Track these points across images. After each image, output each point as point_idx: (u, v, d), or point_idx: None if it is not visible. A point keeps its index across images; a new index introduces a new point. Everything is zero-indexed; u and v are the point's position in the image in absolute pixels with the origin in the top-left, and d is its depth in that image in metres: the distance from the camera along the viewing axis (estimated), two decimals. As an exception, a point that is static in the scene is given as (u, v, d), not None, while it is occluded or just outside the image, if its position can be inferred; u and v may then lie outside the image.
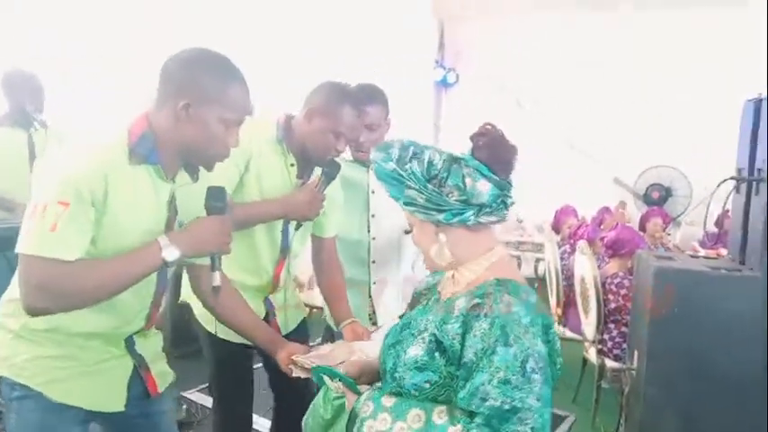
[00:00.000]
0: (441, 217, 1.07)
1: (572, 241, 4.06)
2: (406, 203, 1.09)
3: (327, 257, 1.93)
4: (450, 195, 1.06)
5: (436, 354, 1.03)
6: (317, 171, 1.77)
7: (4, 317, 1.26)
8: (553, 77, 6.41)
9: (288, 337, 1.81)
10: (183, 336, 3.54)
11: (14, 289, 1.24)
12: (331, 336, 2.07)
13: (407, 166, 1.07)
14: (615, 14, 6.24)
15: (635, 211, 6.07)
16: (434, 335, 1.04)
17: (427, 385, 1.04)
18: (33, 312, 1.11)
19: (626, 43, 6.12)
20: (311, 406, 1.22)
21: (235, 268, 1.69)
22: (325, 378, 1.19)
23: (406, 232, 1.20)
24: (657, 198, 6.21)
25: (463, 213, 1.06)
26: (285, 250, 1.80)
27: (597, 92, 6.23)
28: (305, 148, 1.71)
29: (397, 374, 1.07)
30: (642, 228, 4.72)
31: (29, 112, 2.82)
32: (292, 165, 1.73)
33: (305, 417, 1.23)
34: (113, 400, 1.32)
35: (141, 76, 3.48)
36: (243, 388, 1.90)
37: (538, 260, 6.61)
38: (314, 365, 1.30)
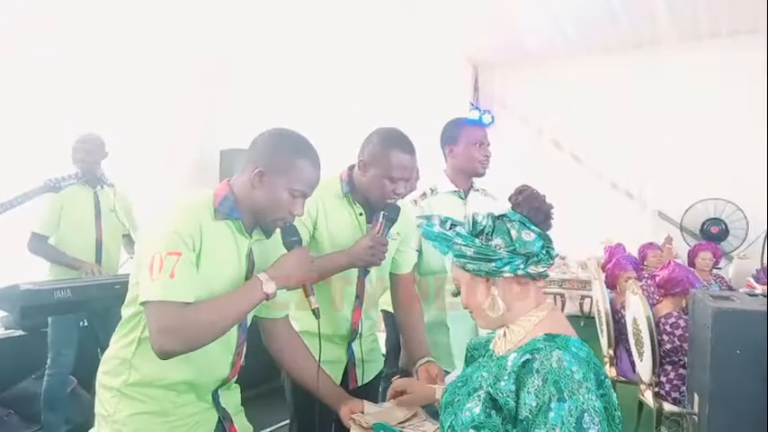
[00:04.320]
0: (491, 266, 1.09)
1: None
2: (456, 256, 1.12)
3: (405, 293, 1.95)
4: (497, 247, 1.09)
5: (492, 412, 1.03)
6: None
7: (105, 375, 1.36)
8: (588, 117, 6.44)
9: (364, 387, 1.85)
10: (247, 379, 3.60)
11: (114, 348, 1.35)
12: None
13: (450, 230, 1.13)
14: (648, 53, 6.28)
15: (682, 246, 5.95)
16: (489, 393, 1.04)
17: None
18: (164, 355, 1.20)
19: (664, 80, 6.13)
20: None
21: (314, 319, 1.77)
22: None
23: (454, 295, 1.23)
24: (717, 233, 5.95)
25: (512, 262, 1.09)
26: (361, 297, 1.84)
27: (634, 129, 6.22)
28: (366, 197, 1.78)
29: None
30: (691, 263, 4.62)
31: (98, 175, 3.01)
32: (361, 214, 1.80)
33: None
34: None
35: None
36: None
37: (583, 297, 6.50)
38: (375, 423, 1.31)
